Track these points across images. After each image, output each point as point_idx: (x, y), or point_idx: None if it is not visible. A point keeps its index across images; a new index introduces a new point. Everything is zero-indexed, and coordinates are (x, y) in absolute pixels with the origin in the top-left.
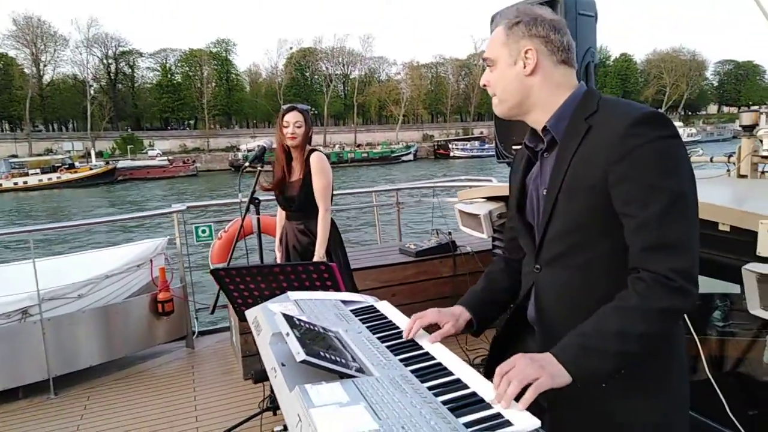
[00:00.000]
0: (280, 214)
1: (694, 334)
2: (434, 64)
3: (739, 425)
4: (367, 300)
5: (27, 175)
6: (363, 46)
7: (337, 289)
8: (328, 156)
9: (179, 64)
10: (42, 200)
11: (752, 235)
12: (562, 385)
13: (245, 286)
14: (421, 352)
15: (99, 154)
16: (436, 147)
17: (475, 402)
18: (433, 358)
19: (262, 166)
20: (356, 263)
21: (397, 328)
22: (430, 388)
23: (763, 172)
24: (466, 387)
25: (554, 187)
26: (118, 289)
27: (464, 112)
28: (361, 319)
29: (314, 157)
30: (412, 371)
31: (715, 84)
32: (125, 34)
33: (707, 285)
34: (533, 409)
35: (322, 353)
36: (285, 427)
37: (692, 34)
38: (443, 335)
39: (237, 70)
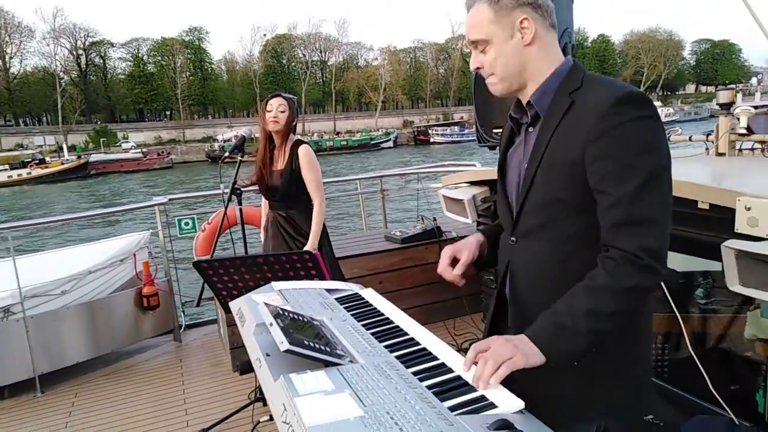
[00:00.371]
0: (265, 203)
1: (676, 312)
2: (412, 48)
3: (721, 400)
4: (351, 288)
5: None
6: (339, 32)
7: (322, 278)
8: (228, 150)
9: (151, 54)
10: (12, 197)
11: (731, 213)
12: (536, 364)
13: (229, 277)
14: (406, 338)
15: (72, 149)
16: (416, 133)
17: (459, 385)
18: (417, 344)
19: (242, 156)
20: (342, 251)
21: (382, 314)
22: (414, 374)
23: (740, 150)
24: (450, 371)
25: (535, 160)
26: (101, 285)
27: (444, 97)
28: (345, 307)
29: (303, 151)
30: (397, 357)
31: (693, 63)
32: (94, 24)
33: (689, 263)
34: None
35: (306, 342)
36: (271, 417)
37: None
38: (465, 265)
39: (211, 59)
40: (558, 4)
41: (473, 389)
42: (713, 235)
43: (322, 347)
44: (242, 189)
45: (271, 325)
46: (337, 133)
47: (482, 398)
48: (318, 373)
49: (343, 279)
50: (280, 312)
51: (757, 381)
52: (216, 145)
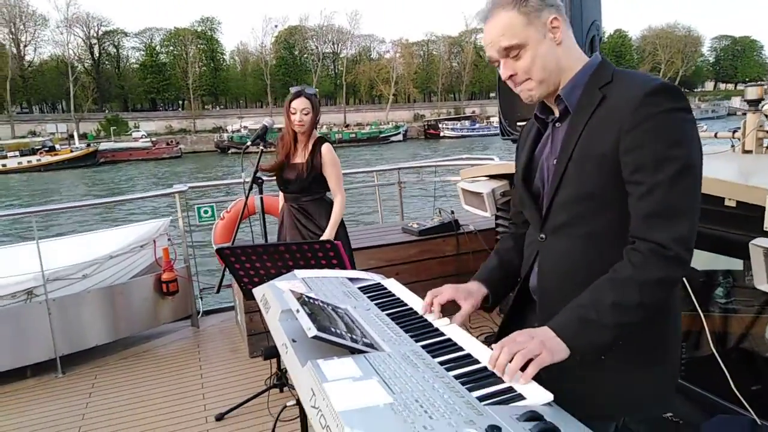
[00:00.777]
0: (281, 194)
1: (699, 310)
2: (425, 41)
3: (743, 400)
4: (373, 278)
5: (5, 158)
6: (351, 24)
7: (343, 267)
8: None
9: (164, 44)
10: (21, 184)
11: (759, 210)
12: (561, 359)
13: (251, 264)
14: (431, 328)
15: (83, 137)
16: (426, 127)
17: (486, 376)
18: (442, 334)
19: (265, 146)
20: (359, 242)
21: (406, 305)
22: (441, 363)
23: (767, 148)
24: (477, 362)
25: (565, 156)
26: (121, 270)
27: (456, 91)
28: (369, 297)
29: (326, 149)
30: (423, 347)
31: (712, 60)
32: (108, 13)
33: (709, 262)
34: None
35: (332, 329)
36: (297, 401)
37: (688, 10)
38: (465, 316)
39: (223, 50)
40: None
41: (500, 381)
42: (740, 233)
43: (349, 334)
44: (263, 178)
45: (297, 311)
46: (347, 126)
47: (510, 390)
48: (345, 359)
49: (353, 266)
50: (306, 299)
51: None
52: (225, 136)
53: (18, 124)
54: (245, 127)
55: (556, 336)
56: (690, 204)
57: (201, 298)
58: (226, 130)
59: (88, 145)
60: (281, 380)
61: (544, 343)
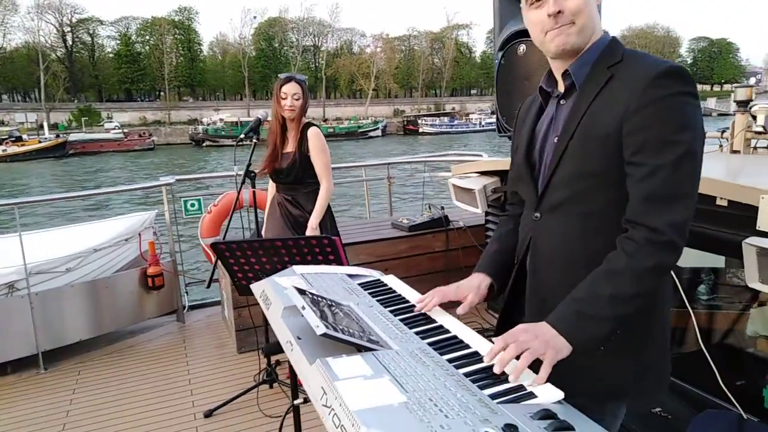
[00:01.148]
0: (272, 187)
1: (688, 306)
2: (407, 36)
3: (730, 395)
4: (372, 274)
5: None
6: (331, 17)
7: (339, 263)
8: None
9: (140, 33)
10: None
11: (751, 210)
12: (566, 356)
13: (246, 260)
14: (435, 325)
15: (54, 127)
16: (405, 123)
17: (495, 374)
18: (447, 331)
19: (257, 139)
20: (349, 238)
21: (408, 301)
22: (449, 361)
23: (755, 148)
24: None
25: (567, 133)
26: (106, 263)
27: (437, 87)
28: (370, 293)
29: (313, 134)
30: (429, 344)
31: (689, 61)
32: (83, 1)
33: (692, 260)
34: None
35: (339, 326)
36: (306, 399)
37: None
38: (470, 305)
39: (200, 40)
40: None
41: (508, 379)
42: (731, 232)
43: (356, 332)
44: (256, 171)
45: (303, 308)
46: (325, 120)
47: (521, 387)
48: (354, 357)
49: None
50: (310, 296)
51: (764, 377)
52: (200, 128)
53: None
54: (221, 120)
55: (557, 333)
56: (689, 190)
57: (187, 292)
58: (202, 122)
59: (57, 136)
60: (271, 376)
61: (548, 342)
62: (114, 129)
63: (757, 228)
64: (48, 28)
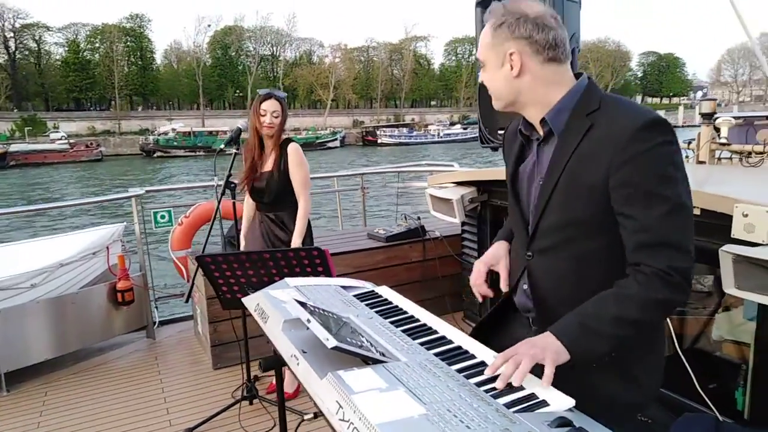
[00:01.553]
0: (248, 202)
1: None
2: (366, 47)
3: (707, 399)
4: (365, 285)
5: None
6: (288, 26)
7: (328, 275)
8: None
9: (89, 40)
10: None
11: (724, 218)
12: (563, 362)
13: (232, 273)
14: (438, 335)
15: None
16: (364, 133)
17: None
18: (451, 342)
19: (237, 149)
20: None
21: (406, 312)
22: (458, 371)
23: (719, 159)
24: None
25: (551, 181)
26: (73, 279)
27: (397, 98)
28: (367, 304)
29: (292, 149)
30: (436, 354)
31: (640, 75)
32: (27, 5)
33: None
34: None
35: (348, 339)
36: (315, 415)
37: (618, 26)
38: (507, 279)
39: (153, 48)
40: (568, 10)
41: (521, 387)
42: (704, 240)
43: (364, 344)
44: (235, 183)
45: (309, 321)
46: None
47: (533, 396)
48: (365, 370)
49: None
50: (312, 309)
51: (735, 380)
52: (151, 138)
53: None
54: (174, 130)
55: (557, 339)
56: (685, 236)
57: (157, 307)
58: (155, 132)
59: None
60: (251, 392)
61: (546, 348)
62: (60, 139)
63: (731, 236)
64: None
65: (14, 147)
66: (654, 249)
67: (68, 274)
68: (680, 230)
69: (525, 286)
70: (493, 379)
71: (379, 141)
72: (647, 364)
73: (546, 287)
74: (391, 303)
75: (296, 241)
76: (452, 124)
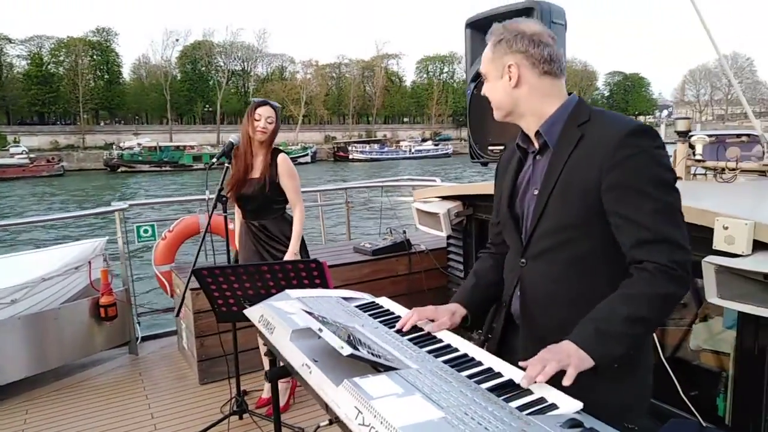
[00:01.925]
0: (239, 213)
1: None
2: (338, 64)
3: (690, 405)
4: (364, 296)
5: None
6: (259, 42)
7: (325, 287)
8: (215, 156)
9: (54, 53)
10: None
11: (705, 231)
12: (587, 368)
13: (228, 285)
14: (444, 344)
15: None
16: (335, 149)
17: (515, 388)
18: (457, 350)
19: (229, 162)
20: None
21: None
22: (468, 377)
23: (694, 175)
24: (500, 375)
25: (546, 189)
26: (54, 294)
27: (369, 114)
28: (370, 315)
29: (282, 160)
30: (444, 362)
31: (606, 94)
32: None
33: None
34: None
35: (359, 347)
36: (330, 422)
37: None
38: (441, 327)
39: (120, 62)
40: (555, 32)
41: (530, 392)
42: None
43: (375, 352)
44: (226, 197)
45: (320, 330)
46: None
47: (543, 400)
48: (380, 377)
49: None
50: (321, 319)
51: (715, 387)
52: (115, 153)
53: None
54: (139, 145)
55: (579, 348)
56: (680, 232)
57: (139, 323)
58: (120, 147)
59: None
60: (241, 407)
61: (571, 355)
62: (20, 153)
63: (713, 248)
64: None
65: None
66: (653, 245)
67: (49, 290)
68: (675, 225)
69: (519, 293)
70: (503, 385)
71: (350, 157)
72: (638, 367)
73: (537, 293)
74: (393, 313)
75: (294, 247)
76: (424, 140)
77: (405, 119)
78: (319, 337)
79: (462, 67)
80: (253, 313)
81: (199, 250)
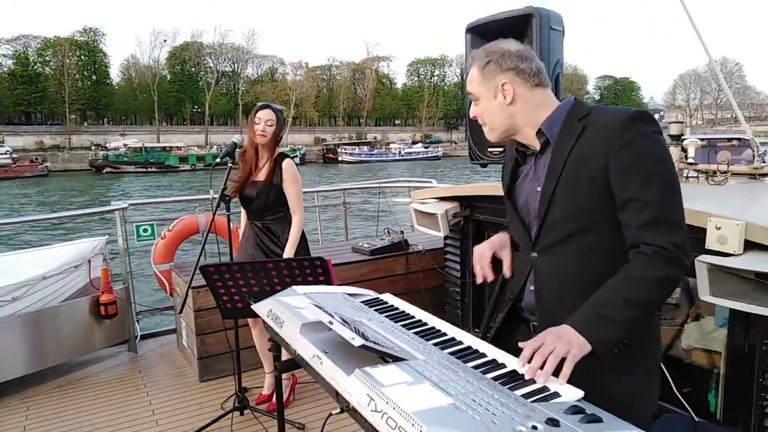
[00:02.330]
0: (244, 215)
1: None
2: (328, 66)
3: (684, 401)
4: (368, 293)
5: None
6: (248, 43)
7: (329, 284)
8: (203, 158)
9: (40, 53)
10: None
11: (698, 231)
12: (585, 353)
13: (234, 282)
14: (448, 337)
15: None
16: (324, 151)
17: (519, 378)
18: (461, 342)
19: (233, 163)
20: None
21: (413, 317)
22: (474, 368)
23: (687, 177)
24: (504, 366)
25: (551, 181)
26: (54, 292)
27: (360, 117)
28: (376, 310)
29: (287, 165)
30: (450, 354)
31: (597, 98)
32: None
33: None
34: None
35: (369, 339)
36: (342, 410)
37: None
38: (510, 265)
39: (107, 62)
40: (553, 38)
41: (533, 381)
42: None
43: (386, 343)
44: (230, 196)
45: (331, 323)
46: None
47: (545, 389)
48: (389, 367)
49: None
50: (330, 313)
51: (707, 384)
52: (100, 154)
53: None
54: (125, 145)
55: (577, 333)
56: (679, 213)
57: (138, 321)
58: (107, 147)
59: None
60: (242, 403)
61: (570, 341)
62: (4, 154)
63: (706, 247)
64: None
65: None
66: (654, 227)
67: (50, 288)
68: (676, 207)
69: (532, 287)
70: (508, 375)
71: (339, 159)
72: (647, 360)
73: (551, 284)
74: (397, 309)
75: (289, 251)
76: (414, 142)
77: (396, 122)
78: (330, 329)
79: (453, 70)
80: (261, 308)
81: (202, 248)
